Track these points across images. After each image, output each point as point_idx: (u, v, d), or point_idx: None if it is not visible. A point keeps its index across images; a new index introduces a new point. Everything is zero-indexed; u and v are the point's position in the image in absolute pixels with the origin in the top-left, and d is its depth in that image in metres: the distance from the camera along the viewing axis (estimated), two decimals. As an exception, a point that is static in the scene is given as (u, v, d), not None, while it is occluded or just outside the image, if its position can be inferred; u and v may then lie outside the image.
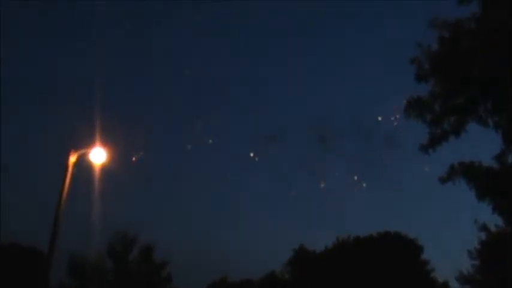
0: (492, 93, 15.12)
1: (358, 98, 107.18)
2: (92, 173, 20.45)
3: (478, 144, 21.02)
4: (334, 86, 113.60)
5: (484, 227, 33.13)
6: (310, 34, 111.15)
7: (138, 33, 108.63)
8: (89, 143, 20.28)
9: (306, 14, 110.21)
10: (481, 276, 36.28)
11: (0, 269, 42.93)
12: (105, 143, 20.27)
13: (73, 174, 18.98)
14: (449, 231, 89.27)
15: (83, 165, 19.95)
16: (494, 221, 31.08)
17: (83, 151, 19.74)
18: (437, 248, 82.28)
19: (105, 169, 20.55)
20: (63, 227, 19.13)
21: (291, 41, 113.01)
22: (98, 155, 19.95)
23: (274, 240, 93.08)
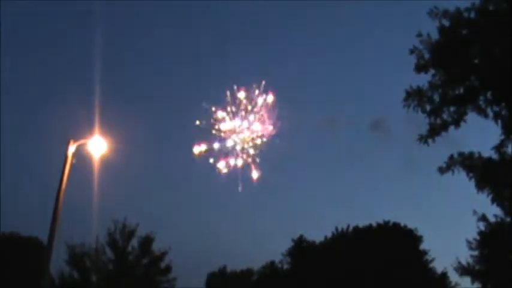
0: (492, 84, 15.09)
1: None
2: (91, 163, 20.46)
3: (478, 134, 21.06)
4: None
5: (483, 218, 33.14)
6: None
7: (139, 22, 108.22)
8: (88, 133, 20.29)
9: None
10: (480, 266, 36.35)
11: (1, 259, 43.07)
12: (105, 133, 20.28)
13: (72, 165, 18.99)
14: (448, 221, 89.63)
15: (83, 155, 19.95)
16: (494, 212, 31.10)
17: (82, 141, 19.73)
18: (436, 239, 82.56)
19: (105, 159, 20.56)
20: (63, 218, 19.16)
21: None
22: (98, 145, 19.95)
23: (273, 230, 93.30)
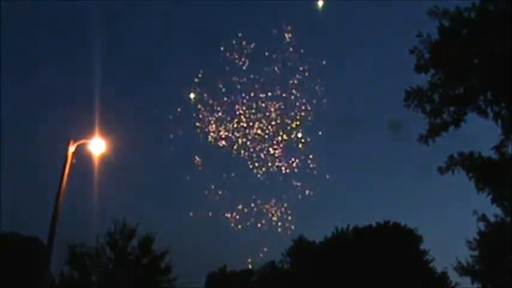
0: (492, 84, 15.10)
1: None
2: (91, 163, 20.53)
3: (478, 134, 21.05)
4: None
5: (483, 218, 33.19)
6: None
7: (139, 22, 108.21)
8: (88, 133, 20.36)
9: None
10: (480, 266, 36.37)
11: (0, 259, 43.04)
12: (105, 133, 20.35)
13: (72, 164, 19.03)
14: (448, 221, 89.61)
15: (83, 155, 20.02)
16: (494, 212, 31.16)
17: (82, 141, 19.79)
18: (436, 239, 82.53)
19: (105, 159, 20.62)
20: (62, 217, 19.19)
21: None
22: (98, 145, 20.02)
23: (274, 230, 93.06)
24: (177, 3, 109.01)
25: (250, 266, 63.76)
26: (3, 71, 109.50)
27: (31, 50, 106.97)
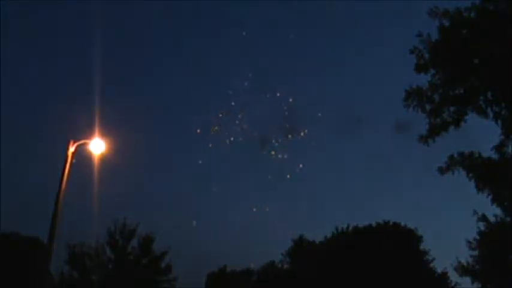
0: (492, 84, 15.09)
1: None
2: (91, 163, 20.54)
3: (478, 134, 21.06)
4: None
5: (483, 218, 33.18)
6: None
7: (138, 23, 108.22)
8: (88, 133, 20.39)
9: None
10: (480, 266, 36.37)
11: (1, 259, 43.07)
12: (105, 133, 20.38)
13: (72, 164, 19.04)
14: (448, 221, 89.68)
15: (83, 155, 20.04)
16: (494, 212, 31.17)
17: (82, 141, 19.80)
18: (436, 239, 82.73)
19: (105, 159, 20.63)
20: (63, 218, 19.20)
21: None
22: (97, 146, 20.04)
23: (273, 230, 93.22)
24: (177, 3, 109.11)
25: (252, 265, 63.91)
26: (3, 71, 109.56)
27: (32, 50, 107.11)
